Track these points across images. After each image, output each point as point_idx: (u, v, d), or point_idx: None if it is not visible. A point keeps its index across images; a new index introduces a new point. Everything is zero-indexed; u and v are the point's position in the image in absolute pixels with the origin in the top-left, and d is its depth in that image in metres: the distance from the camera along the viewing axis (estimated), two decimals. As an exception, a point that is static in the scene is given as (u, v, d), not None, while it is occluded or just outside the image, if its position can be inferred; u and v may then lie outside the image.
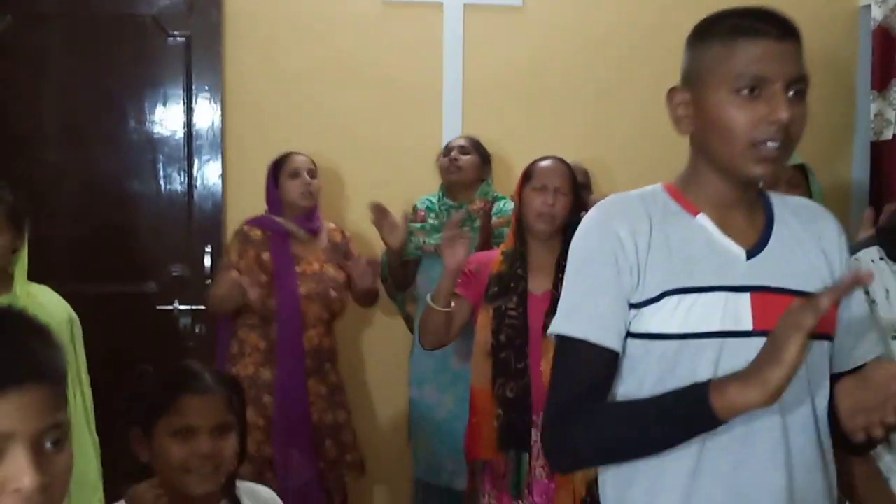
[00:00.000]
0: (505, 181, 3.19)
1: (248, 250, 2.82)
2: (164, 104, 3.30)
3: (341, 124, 3.36)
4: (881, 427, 1.12)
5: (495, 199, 3.06)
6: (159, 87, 3.30)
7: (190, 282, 3.26)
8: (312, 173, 2.93)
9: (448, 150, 3.09)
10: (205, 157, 3.31)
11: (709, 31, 1.21)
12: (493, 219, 2.98)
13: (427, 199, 3.13)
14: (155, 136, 3.31)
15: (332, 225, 3.03)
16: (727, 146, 1.18)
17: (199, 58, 3.29)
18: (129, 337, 3.17)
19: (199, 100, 3.30)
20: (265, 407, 2.74)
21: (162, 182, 3.31)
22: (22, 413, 0.82)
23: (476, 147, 3.09)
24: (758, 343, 1.12)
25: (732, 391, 1.05)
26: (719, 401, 1.06)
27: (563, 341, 1.24)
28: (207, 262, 3.23)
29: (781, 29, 1.17)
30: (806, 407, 1.21)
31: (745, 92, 1.16)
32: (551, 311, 2.27)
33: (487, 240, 2.91)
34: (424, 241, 2.99)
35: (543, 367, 2.24)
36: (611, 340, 1.21)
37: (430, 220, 3.05)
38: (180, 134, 3.31)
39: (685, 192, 1.27)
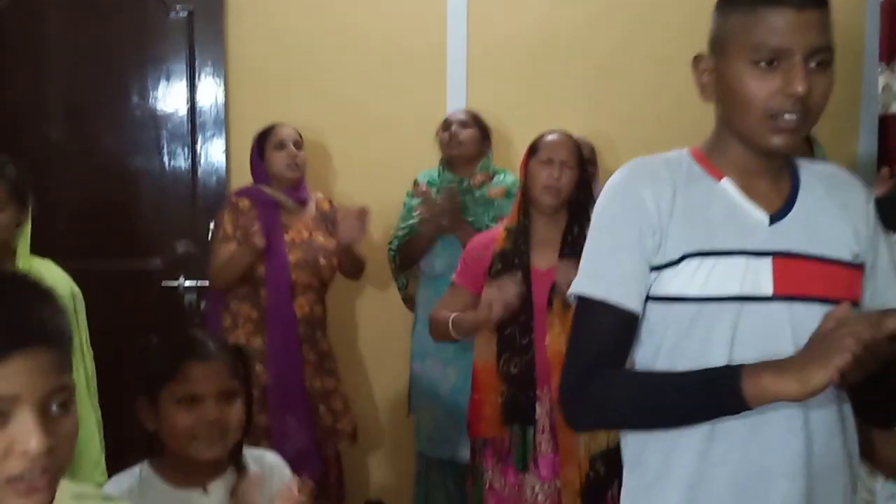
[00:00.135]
0: (512, 154, 3.17)
1: (239, 220, 2.85)
2: (167, 80, 3.29)
3: (346, 99, 3.34)
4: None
5: (495, 172, 3.05)
6: (161, 62, 3.28)
7: (195, 258, 3.26)
8: (298, 145, 2.92)
9: (448, 124, 3.07)
10: (208, 133, 3.30)
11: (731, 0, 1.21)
12: (491, 189, 2.98)
13: (428, 174, 3.11)
14: (158, 112, 3.29)
15: (320, 195, 3.04)
16: (745, 116, 1.18)
17: (201, 32, 3.27)
18: (134, 313, 3.18)
19: (203, 75, 3.28)
20: (257, 376, 2.74)
21: (166, 158, 3.31)
22: (28, 376, 0.82)
23: (476, 121, 3.07)
24: (778, 308, 1.12)
25: (766, 379, 1.05)
26: (751, 387, 1.05)
27: (584, 302, 1.24)
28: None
29: None
30: None
31: (763, 64, 1.15)
32: (555, 286, 2.27)
33: (456, 223, 2.89)
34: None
35: (548, 341, 2.24)
36: (631, 302, 1.21)
37: (433, 196, 3.03)
38: (183, 110, 3.30)
39: (711, 157, 1.27)
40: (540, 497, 2.26)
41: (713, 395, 1.11)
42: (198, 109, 3.29)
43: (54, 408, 0.85)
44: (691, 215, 1.21)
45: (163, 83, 3.29)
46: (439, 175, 3.08)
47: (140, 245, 3.30)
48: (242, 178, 3.23)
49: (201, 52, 3.27)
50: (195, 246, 3.27)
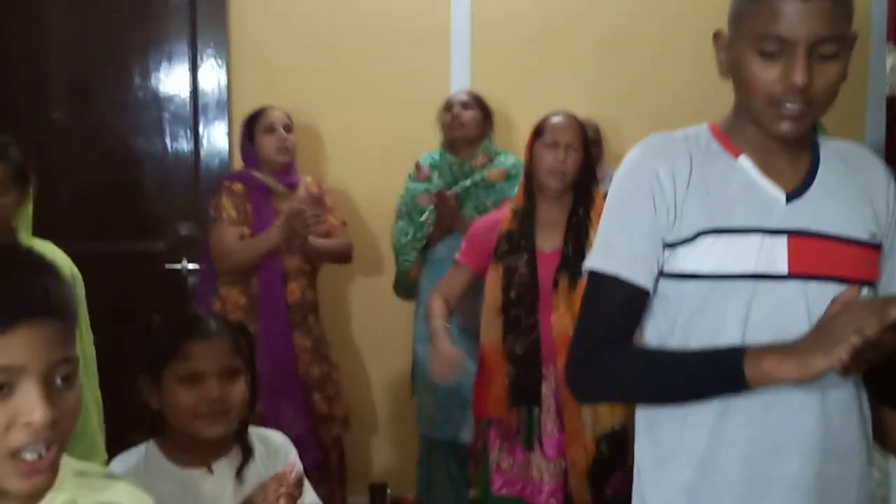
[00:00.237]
0: (514, 135, 3.15)
1: (239, 204, 2.82)
2: (170, 62, 3.27)
3: (349, 80, 3.32)
4: None
5: (496, 154, 3.03)
6: (164, 44, 3.27)
7: (198, 241, 3.25)
8: (288, 128, 2.90)
9: (450, 105, 3.05)
10: (211, 115, 3.29)
11: None
12: (491, 171, 2.96)
13: (430, 156, 3.09)
14: (160, 94, 3.28)
15: (309, 178, 3.02)
16: (752, 100, 1.18)
17: (203, 14, 3.25)
18: (137, 295, 3.17)
19: (205, 56, 3.27)
20: None
21: (168, 140, 3.29)
22: (33, 347, 0.82)
23: (478, 102, 3.05)
24: (793, 287, 1.12)
25: (768, 362, 1.06)
26: (753, 369, 1.07)
27: (595, 276, 1.24)
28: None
29: None
30: None
31: (767, 52, 1.14)
32: (561, 267, 2.27)
33: (447, 225, 2.90)
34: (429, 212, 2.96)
35: (554, 321, 2.24)
36: (642, 278, 1.21)
37: (435, 179, 3.03)
38: (186, 92, 3.28)
39: (729, 134, 1.26)
40: (546, 476, 2.27)
41: (716, 376, 1.12)
42: (200, 91, 3.28)
43: (58, 380, 0.85)
44: (708, 192, 1.21)
45: (165, 65, 3.27)
46: (441, 157, 3.06)
47: (143, 227, 3.30)
48: (245, 160, 3.23)
49: (203, 33, 3.25)
50: (198, 228, 3.26)
